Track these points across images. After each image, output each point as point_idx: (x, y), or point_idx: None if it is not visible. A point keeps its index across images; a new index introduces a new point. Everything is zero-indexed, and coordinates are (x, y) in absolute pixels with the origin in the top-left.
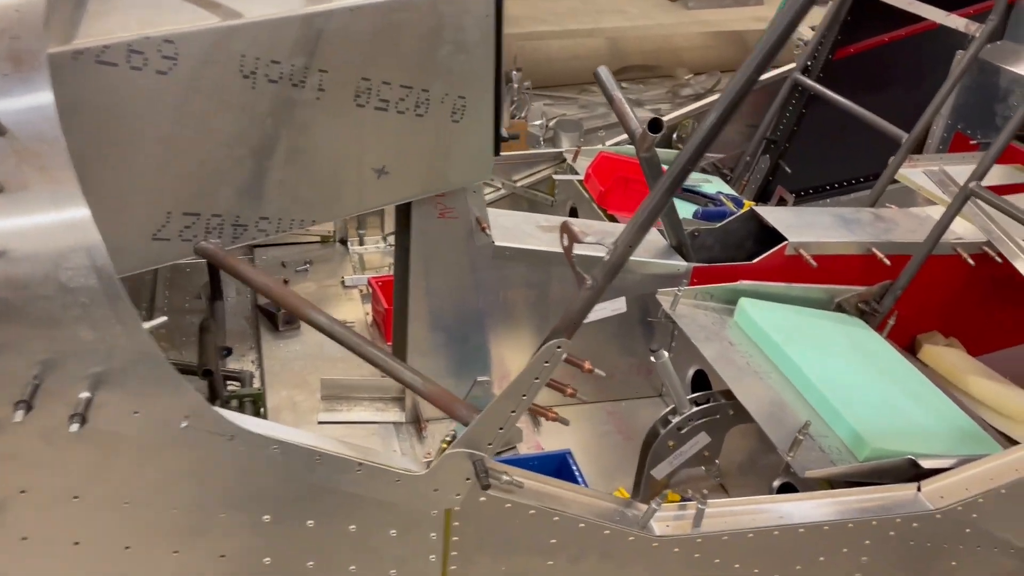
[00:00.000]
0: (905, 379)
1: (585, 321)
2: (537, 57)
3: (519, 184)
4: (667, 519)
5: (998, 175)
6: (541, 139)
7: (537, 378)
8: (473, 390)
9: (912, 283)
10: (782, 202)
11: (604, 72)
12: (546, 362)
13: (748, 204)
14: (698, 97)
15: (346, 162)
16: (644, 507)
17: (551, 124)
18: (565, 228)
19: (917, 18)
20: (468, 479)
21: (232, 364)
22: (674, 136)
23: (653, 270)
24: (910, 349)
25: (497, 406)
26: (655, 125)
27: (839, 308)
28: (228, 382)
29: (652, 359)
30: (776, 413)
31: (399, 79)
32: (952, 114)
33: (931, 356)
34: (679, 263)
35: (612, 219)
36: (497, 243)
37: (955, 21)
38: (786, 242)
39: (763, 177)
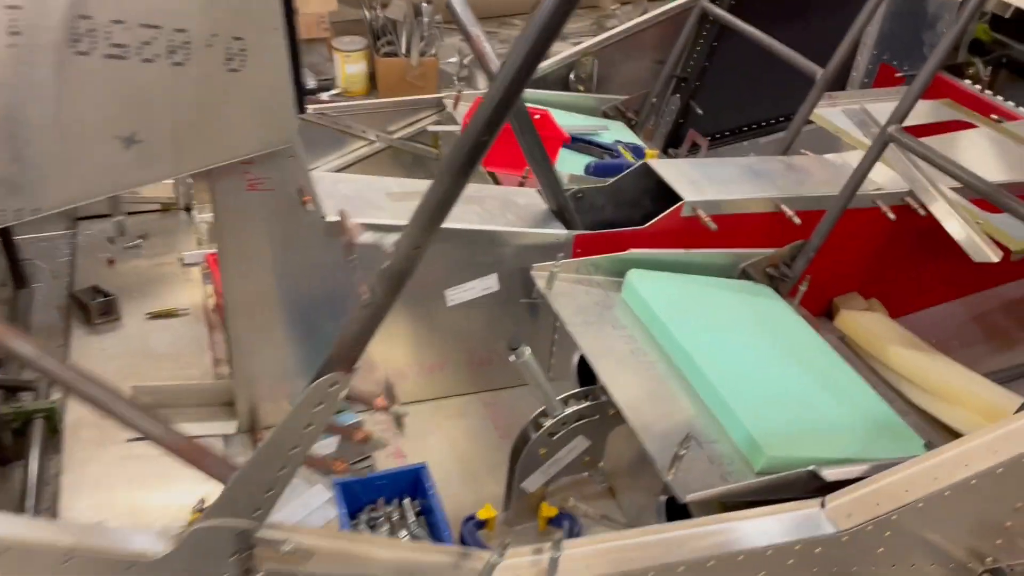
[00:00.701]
0: (815, 361)
1: (454, 302)
2: None
3: (396, 136)
4: (514, 569)
5: (925, 112)
6: (456, 78)
7: (310, 425)
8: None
9: (827, 241)
10: (695, 148)
11: (458, 3)
12: (319, 405)
13: (650, 154)
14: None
15: (73, 130)
16: (484, 558)
17: (466, 62)
18: (341, 220)
19: None
20: (233, 557)
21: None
22: (571, 75)
23: (529, 240)
24: (827, 314)
25: (258, 464)
26: None
27: (745, 274)
28: (18, 393)
29: (511, 359)
30: (658, 416)
31: (136, 17)
32: (877, 44)
33: (849, 324)
34: (559, 231)
35: (493, 177)
36: (328, 218)
37: None
38: (682, 202)
39: (673, 120)
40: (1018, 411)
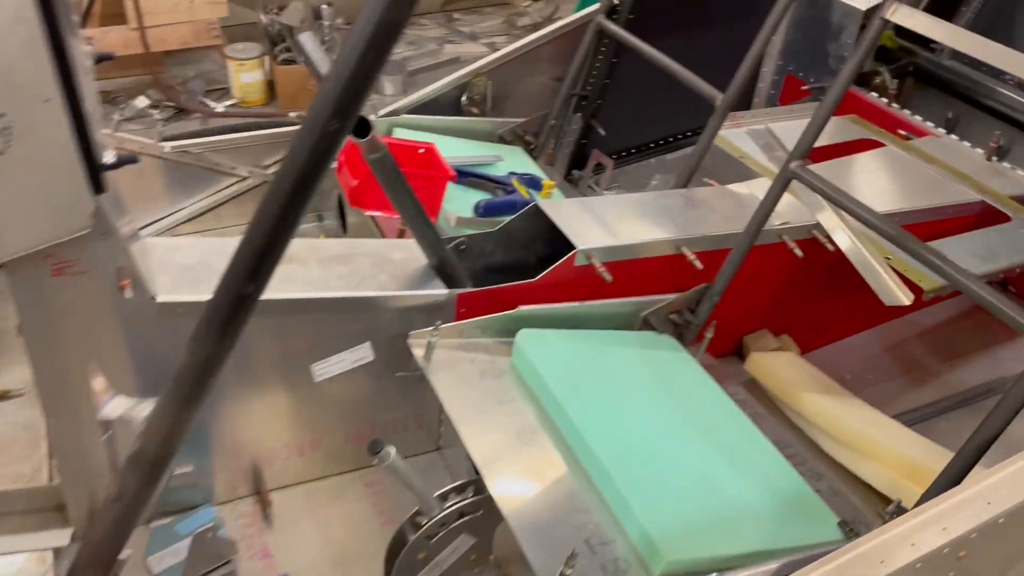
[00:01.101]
0: (720, 428)
1: (323, 376)
2: None
3: (271, 171)
4: None
5: (831, 131)
6: None
7: None
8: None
9: (735, 280)
10: (599, 168)
11: (307, 40)
12: None
13: (547, 185)
14: (535, 27)
15: None
16: None
17: None
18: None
19: None
20: None
21: None
22: (463, 98)
23: (404, 303)
24: (737, 353)
25: None
26: (363, 127)
27: (647, 324)
28: None
29: (374, 462)
30: (546, 513)
31: None
32: (782, 55)
33: (759, 368)
34: (439, 291)
35: (373, 222)
36: (161, 298)
37: None
38: (575, 250)
39: (575, 141)
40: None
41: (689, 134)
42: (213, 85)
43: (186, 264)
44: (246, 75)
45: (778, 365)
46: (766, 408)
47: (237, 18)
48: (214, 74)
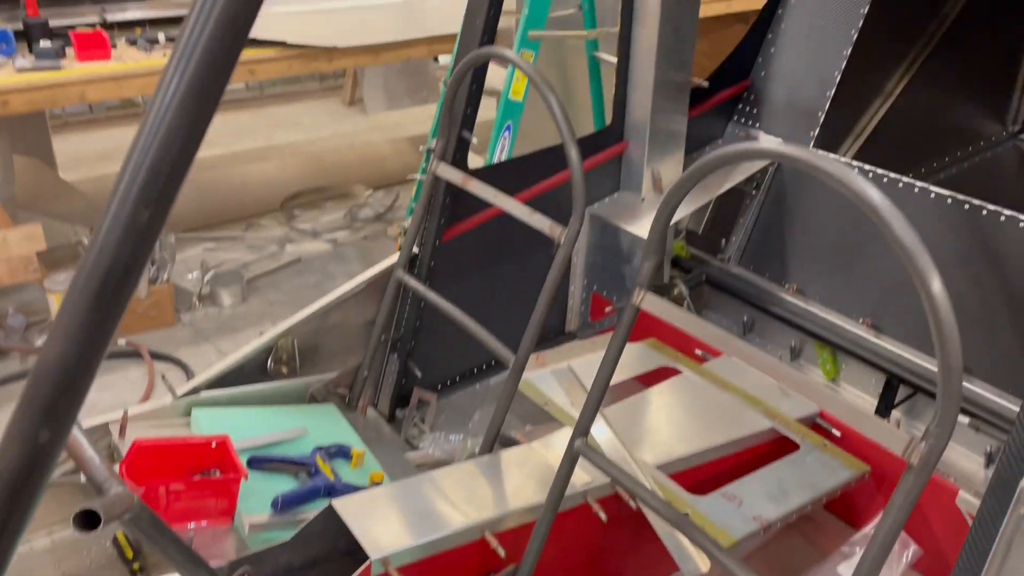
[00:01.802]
0: None
1: None
2: (197, 191)
3: None
4: None
5: (631, 363)
6: (195, 299)
7: None
8: None
9: (543, 552)
10: (423, 404)
11: None
12: None
13: (356, 455)
14: (378, 217)
15: None
16: None
17: (208, 278)
18: None
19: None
20: None
21: None
22: (269, 362)
23: None
24: None
25: None
26: (91, 518)
27: None
28: None
29: None
30: None
31: None
32: (585, 274)
33: None
34: None
35: None
36: None
37: (539, 221)
38: (369, 561)
39: (395, 383)
40: None
41: None
42: (35, 317)
43: None
44: None
45: None
46: None
47: (56, 240)
48: (35, 304)
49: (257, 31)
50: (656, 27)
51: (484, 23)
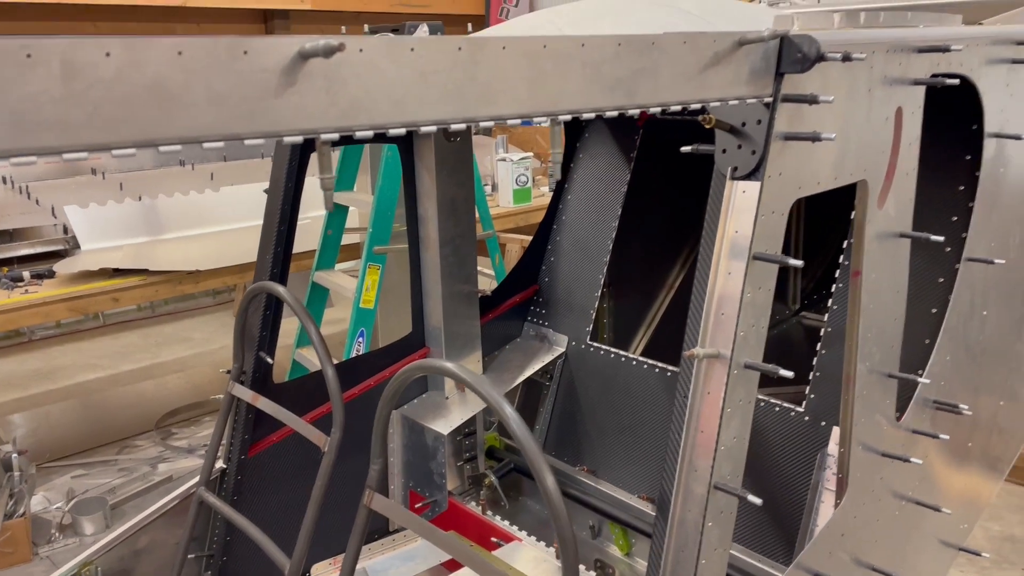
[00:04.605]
0: None
1: None
2: (69, 417)
3: None
4: None
5: (430, 550)
6: (54, 530)
7: None
8: None
9: None
10: None
11: None
12: None
13: None
14: None
15: None
16: None
17: (68, 508)
18: None
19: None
20: None
21: None
22: None
23: None
24: None
25: None
26: None
27: None
28: None
29: None
30: None
31: None
32: (403, 471)
33: None
34: None
35: None
36: None
37: (310, 431)
38: None
39: None
40: None
41: None
42: None
43: None
44: None
45: None
46: None
47: None
48: None
49: (116, 262)
50: (437, 249)
51: (272, 258)
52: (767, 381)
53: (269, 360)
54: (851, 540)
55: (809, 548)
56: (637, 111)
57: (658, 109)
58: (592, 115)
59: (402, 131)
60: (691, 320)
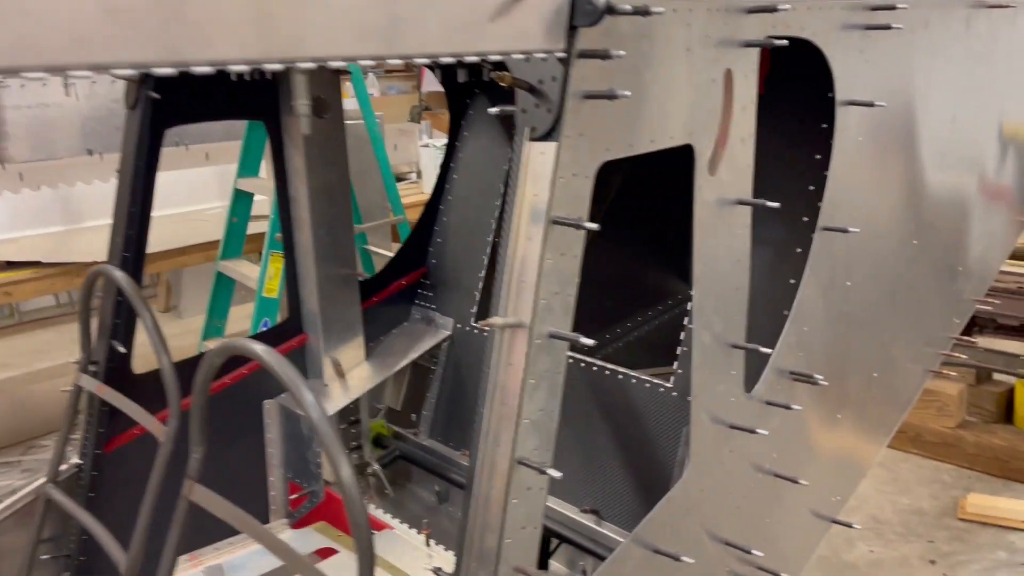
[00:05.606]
0: None
1: None
2: None
3: None
4: None
5: (297, 541)
6: None
7: None
8: None
9: None
10: None
11: None
12: None
13: None
14: None
15: None
16: None
17: None
18: None
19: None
20: None
21: None
22: None
23: None
24: None
25: None
26: None
27: None
28: None
29: None
30: None
31: None
32: (283, 463)
33: None
34: None
35: None
36: None
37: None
38: None
39: None
40: None
41: None
42: None
43: None
44: None
45: None
46: None
47: None
48: None
49: (8, 254)
50: (311, 231)
51: (124, 241)
52: (658, 359)
53: (122, 349)
54: (698, 514)
55: (645, 523)
56: (400, 61)
57: (427, 60)
58: (342, 63)
59: (88, 73)
60: (495, 288)
